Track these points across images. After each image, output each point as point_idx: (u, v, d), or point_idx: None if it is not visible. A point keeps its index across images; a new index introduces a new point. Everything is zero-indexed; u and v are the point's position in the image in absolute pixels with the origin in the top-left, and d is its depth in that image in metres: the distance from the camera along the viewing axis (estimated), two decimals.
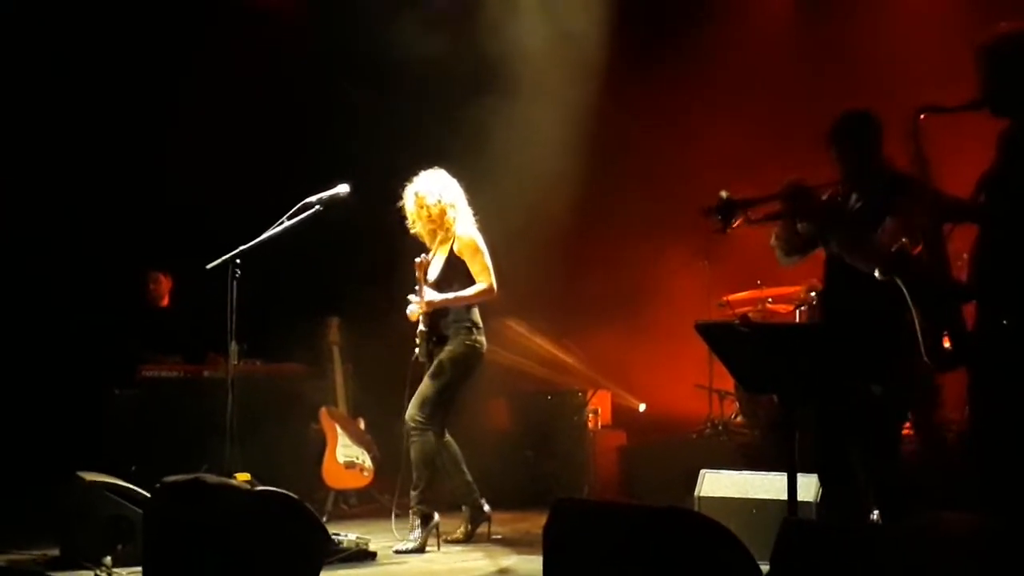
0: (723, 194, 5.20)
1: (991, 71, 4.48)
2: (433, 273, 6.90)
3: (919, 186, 4.86)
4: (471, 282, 6.87)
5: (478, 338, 6.92)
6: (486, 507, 7.04)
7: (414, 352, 6.89)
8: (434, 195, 6.91)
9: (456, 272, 6.88)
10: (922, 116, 4.52)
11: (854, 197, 5.29)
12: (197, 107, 9.13)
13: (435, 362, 6.86)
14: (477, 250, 6.89)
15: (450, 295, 6.85)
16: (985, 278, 4.50)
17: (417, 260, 6.83)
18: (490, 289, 6.88)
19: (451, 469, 6.97)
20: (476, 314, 6.96)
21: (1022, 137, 4.48)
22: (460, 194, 7.00)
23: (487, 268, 6.89)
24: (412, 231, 7.00)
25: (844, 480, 5.32)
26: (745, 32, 9.49)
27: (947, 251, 4.56)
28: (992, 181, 4.56)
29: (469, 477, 7.01)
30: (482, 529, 7.07)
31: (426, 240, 6.99)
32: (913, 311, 4.64)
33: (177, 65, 9.26)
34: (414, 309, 6.89)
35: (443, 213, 6.91)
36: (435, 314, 6.87)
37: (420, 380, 6.90)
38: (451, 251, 6.91)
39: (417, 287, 6.81)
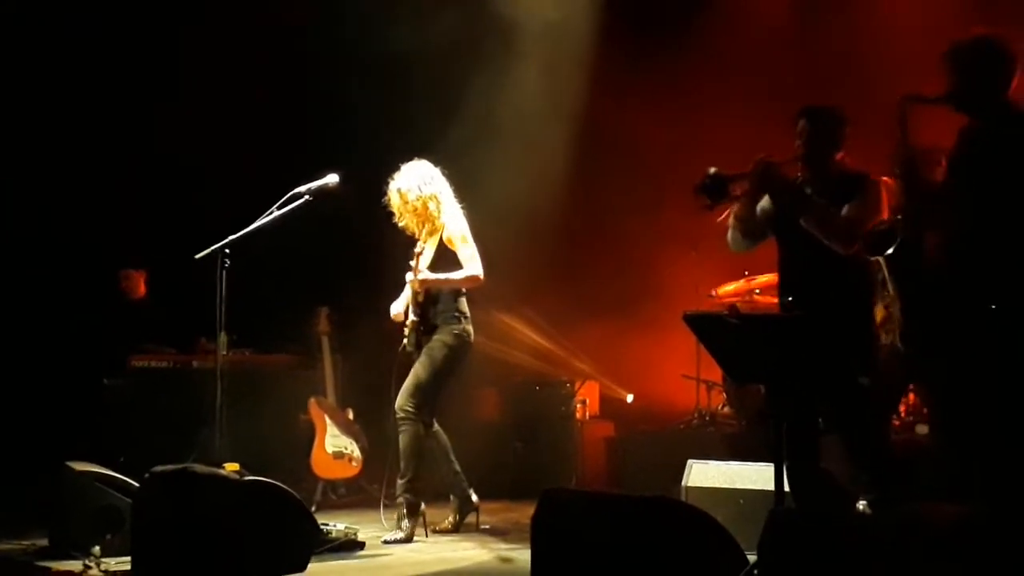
0: (711, 170, 5.27)
1: (955, 72, 4.69)
2: (423, 263, 6.91)
3: (872, 185, 5.02)
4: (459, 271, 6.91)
5: (466, 328, 6.94)
6: (474, 497, 7.06)
7: (402, 342, 6.91)
8: (415, 189, 6.92)
9: (446, 262, 6.89)
10: (907, 104, 4.68)
11: (808, 191, 5.34)
12: (186, 97, 9.11)
13: (423, 352, 6.87)
14: (465, 239, 6.92)
15: (441, 275, 6.86)
16: (965, 265, 4.57)
17: (415, 250, 6.86)
18: (478, 276, 6.91)
19: (440, 459, 6.99)
20: (464, 304, 6.97)
21: (977, 136, 4.68)
22: (443, 184, 7.00)
23: (475, 257, 6.92)
24: (400, 225, 7.01)
25: (812, 473, 5.34)
26: (740, 21, 9.45)
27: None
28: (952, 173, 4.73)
29: (457, 467, 7.03)
30: (470, 519, 7.09)
31: (415, 233, 7.00)
32: (893, 294, 4.70)
33: (165, 57, 9.24)
34: (398, 310, 6.92)
35: (425, 206, 6.92)
36: (424, 304, 6.88)
37: (407, 370, 6.91)
38: (440, 241, 6.92)
39: (412, 271, 6.82)
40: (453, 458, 7.01)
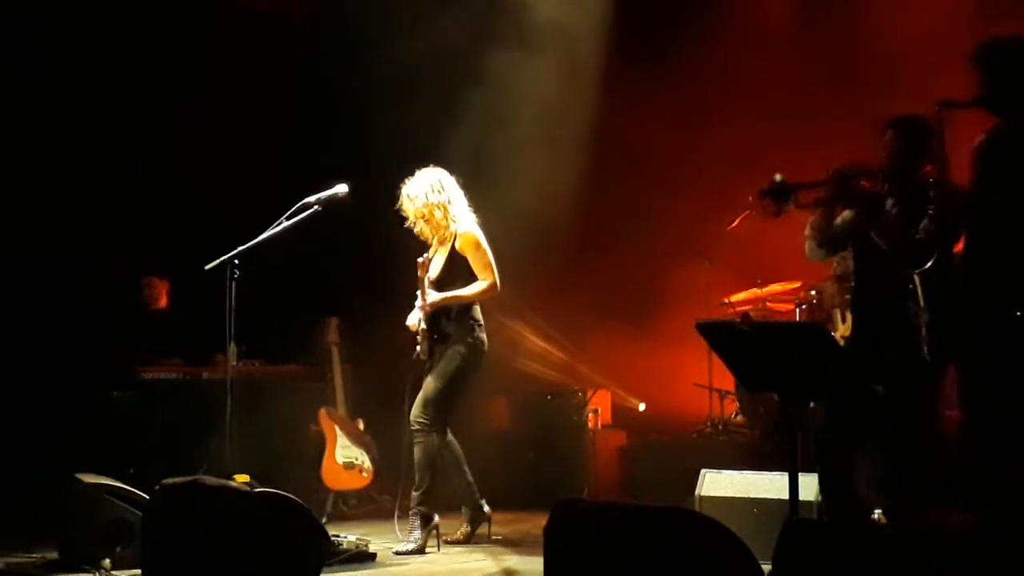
0: (777, 177, 5.19)
1: (985, 75, 4.65)
2: (435, 271, 6.86)
3: (957, 192, 4.96)
4: (473, 279, 6.83)
5: (480, 336, 6.88)
6: (486, 508, 7.02)
7: (415, 350, 6.87)
8: (421, 197, 6.86)
9: (458, 269, 6.84)
10: (943, 110, 4.67)
11: (890, 203, 5.27)
12: (196, 109, 9.13)
13: (437, 361, 6.82)
14: (478, 246, 6.84)
15: (450, 293, 6.81)
16: (991, 271, 4.55)
17: (420, 260, 6.80)
18: (492, 286, 6.84)
19: (452, 469, 6.95)
20: (478, 312, 6.92)
21: (1005, 137, 4.65)
22: (455, 191, 6.93)
23: (489, 265, 6.84)
24: (415, 231, 6.97)
25: (844, 478, 5.34)
26: (746, 26, 9.45)
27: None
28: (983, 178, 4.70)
29: (470, 478, 6.99)
30: (482, 530, 7.05)
31: (430, 240, 6.96)
32: (922, 305, 4.70)
33: (175, 67, 9.26)
34: (414, 321, 6.87)
35: (432, 214, 6.86)
36: (437, 312, 6.83)
37: (420, 378, 6.87)
38: (452, 248, 6.86)
39: (419, 287, 6.79)
40: (466, 468, 6.97)
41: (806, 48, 9.24)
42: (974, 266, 4.64)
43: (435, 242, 6.94)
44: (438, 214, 6.86)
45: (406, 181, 6.93)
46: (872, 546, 3.83)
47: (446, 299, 6.80)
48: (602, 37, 9.53)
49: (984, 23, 7.09)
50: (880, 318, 5.26)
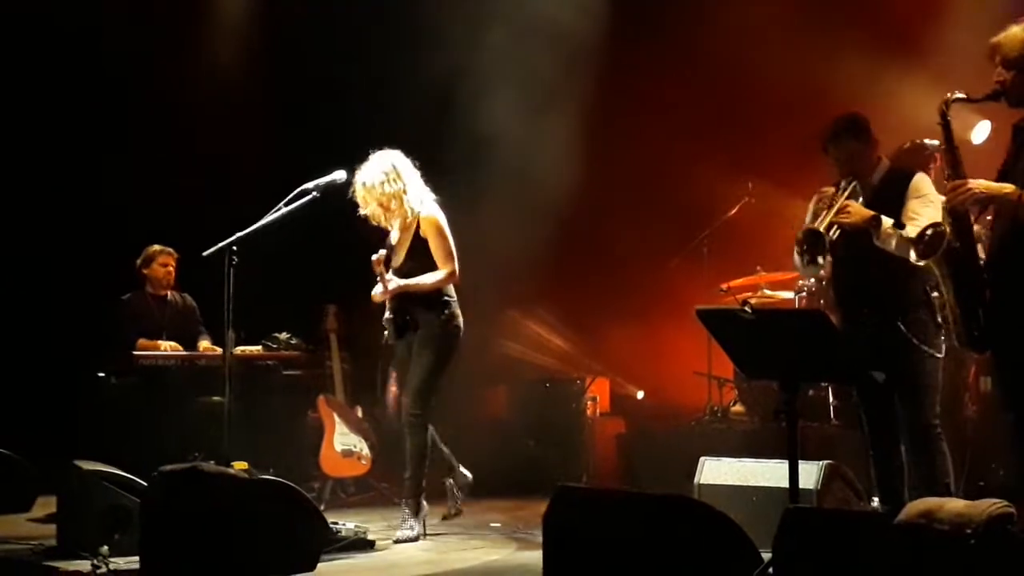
0: (799, 235, 5.48)
1: (1008, 65, 4.64)
2: (399, 259, 6.77)
3: (922, 182, 5.08)
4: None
5: (453, 311, 6.74)
6: (466, 473, 6.92)
7: (383, 336, 6.81)
8: (378, 187, 6.68)
9: (424, 254, 6.71)
10: (950, 106, 4.68)
11: (860, 201, 5.43)
12: (197, 91, 9.11)
13: (415, 349, 6.71)
14: (441, 232, 6.70)
15: (410, 281, 6.67)
16: (1014, 262, 4.56)
17: (374, 257, 6.67)
18: (452, 275, 6.70)
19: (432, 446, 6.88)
20: (450, 288, 6.79)
21: None
22: (410, 174, 6.75)
23: (451, 253, 6.69)
24: (366, 213, 6.75)
25: (892, 466, 5.62)
26: (745, 19, 9.41)
27: (973, 235, 4.74)
28: (1009, 169, 4.68)
29: (444, 448, 6.89)
30: (481, 517, 7.01)
31: (380, 222, 6.81)
32: (947, 296, 4.75)
33: (173, 49, 9.25)
34: (378, 292, 6.77)
35: (390, 202, 6.71)
36: (406, 298, 6.72)
37: (393, 365, 6.80)
38: (416, 234, 6.73)
39: (378, 276, 6.68)
40: (440, 442, 6.86)
41: (807, 43, 9.19)
42: (999, 258, 4.64)
43: (396, 227, 6.83)
44: (394, 204, 6.72)
45: (359, 167, 6.75)
46: (870, 534, 3.83)
47: (406, 285, 6.68)
48: (603, 29, 9.48)
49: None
50: (866, 304, 5.42)
